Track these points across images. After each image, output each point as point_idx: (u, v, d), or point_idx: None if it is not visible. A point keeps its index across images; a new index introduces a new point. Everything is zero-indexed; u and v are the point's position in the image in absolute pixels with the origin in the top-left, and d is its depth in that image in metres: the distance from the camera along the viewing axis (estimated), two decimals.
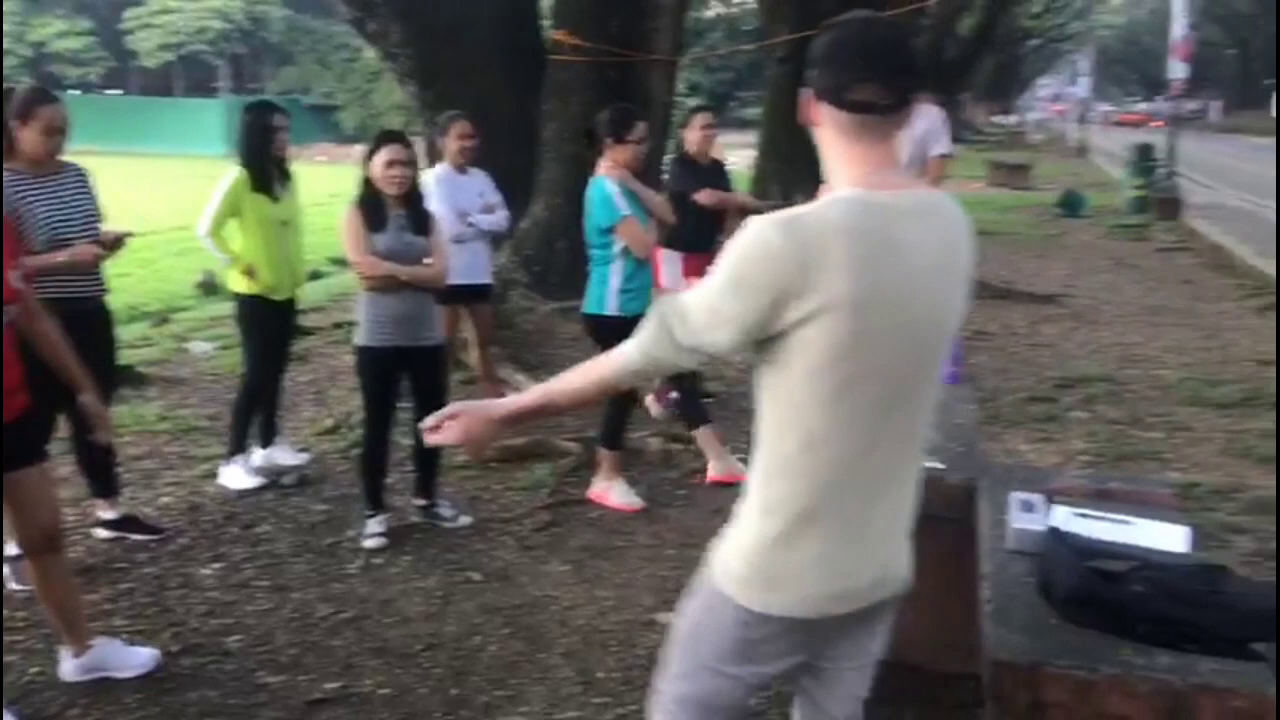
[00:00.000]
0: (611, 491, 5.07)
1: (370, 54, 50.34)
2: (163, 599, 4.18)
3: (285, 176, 5.38)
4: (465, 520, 4.87)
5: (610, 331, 4.91)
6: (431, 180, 5.77)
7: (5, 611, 3.66)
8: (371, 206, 4.47)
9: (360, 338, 4.58)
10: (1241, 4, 64.58)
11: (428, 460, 4.90)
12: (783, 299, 1.79)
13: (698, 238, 6.00)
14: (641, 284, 4.95)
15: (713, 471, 5.40)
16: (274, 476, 5.40)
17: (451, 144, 5.89)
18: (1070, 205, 17.74)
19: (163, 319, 9.92)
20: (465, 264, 5.68)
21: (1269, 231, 14.92)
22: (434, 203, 5.57)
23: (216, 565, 4.48)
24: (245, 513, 5.02)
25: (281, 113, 5.43)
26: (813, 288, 1.78)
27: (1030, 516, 2.72)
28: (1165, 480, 4.59)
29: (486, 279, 6.16)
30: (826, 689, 2.16)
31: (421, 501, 4.91)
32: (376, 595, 4.22)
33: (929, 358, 1.94)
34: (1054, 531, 2.62)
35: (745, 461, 2.36)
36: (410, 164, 4.50)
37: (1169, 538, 2.73)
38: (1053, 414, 6.41)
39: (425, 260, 4.56)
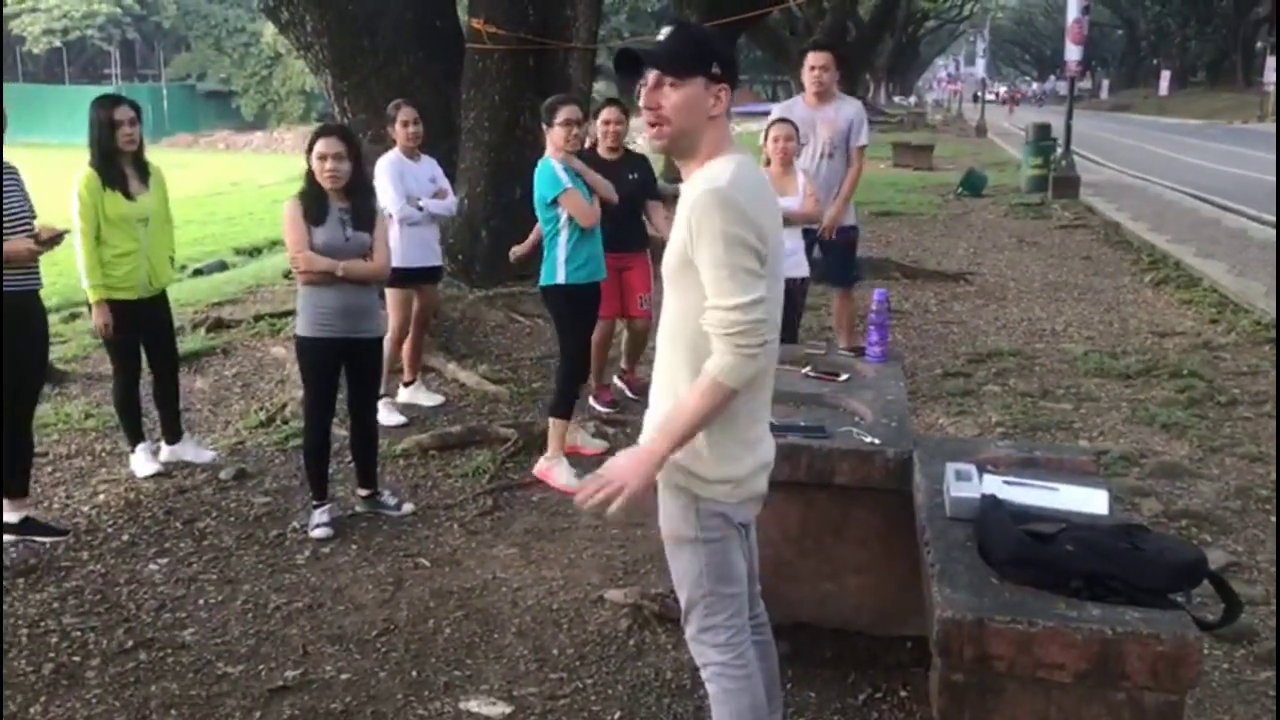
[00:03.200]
0: (555, 470, 5.17)
1: (268, 38, 49.61)
2: (111, 596, 4.18)
3: (144, 172, 5.20)
4: (409, 508, 4.94)
5: (561, 299, 5.22)
6: (382, 166, 5.90)
7: None
8: (312, 199, 4.48)
9: (301, 329, 4.59)
10: None
11: (368, 450, 4.95)
12: (761, 239, 2.32)
13: (619, 237, 5.73)
14: (589, 255, 5.17)
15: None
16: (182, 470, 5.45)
17: (399, 130, 6.08)
18: (972, 185, 18.21)
19: (73, 315, 9.71)
20: (418, 248, 6.06)
21: (1160, 207, 15.57)
22: (383, 188, 5.71)
23: (162, 561, 4.49)
24: (186, 508, 5.02)
25: (128, 105, 5.12)
26: (764, 227, 2.34)
27: (966, 485, 2.92)
28: (1077, 448, 4.87)
29: (438, 261, 6.43)
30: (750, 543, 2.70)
31: (365, 491, 4.96)
32: (328, 584, 4.28)
33: None
34: (989, 498, 2.82)
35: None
36: (343, 157, 4.45)
37: (1091, 501, 2.95)
38: (968, 388, 6.67)
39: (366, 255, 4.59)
